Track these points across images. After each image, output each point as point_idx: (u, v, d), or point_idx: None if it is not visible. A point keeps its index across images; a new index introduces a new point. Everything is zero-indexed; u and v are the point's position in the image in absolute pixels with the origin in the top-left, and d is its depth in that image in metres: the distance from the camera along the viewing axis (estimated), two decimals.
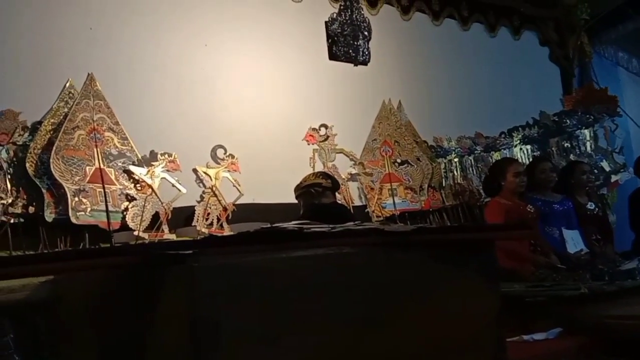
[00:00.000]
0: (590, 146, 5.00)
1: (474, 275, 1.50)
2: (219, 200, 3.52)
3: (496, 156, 4.75)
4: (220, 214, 3.50)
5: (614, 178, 4.95)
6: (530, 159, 4.75)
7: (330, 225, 1.36)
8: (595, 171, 4.70)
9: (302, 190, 3.34)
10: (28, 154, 2.96)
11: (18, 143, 2.99)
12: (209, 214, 3.47)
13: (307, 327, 1.10)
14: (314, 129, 4.08)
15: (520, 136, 4.90)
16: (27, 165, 2.95)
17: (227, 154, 3.65)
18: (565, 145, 5.00)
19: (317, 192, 3.27)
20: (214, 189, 3.53)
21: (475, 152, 4.73)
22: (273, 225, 1.34)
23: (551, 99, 5.36)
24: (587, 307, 2.24)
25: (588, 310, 2.21)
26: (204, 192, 3.54)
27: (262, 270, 1.09)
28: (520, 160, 4.55)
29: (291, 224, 1.34)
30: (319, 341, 1.11)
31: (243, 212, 3.56)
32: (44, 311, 2.01)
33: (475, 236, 1.52)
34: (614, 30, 5.89)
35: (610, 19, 5.76)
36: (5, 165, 2.90)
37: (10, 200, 2.84)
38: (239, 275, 1.07)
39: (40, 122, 3.09)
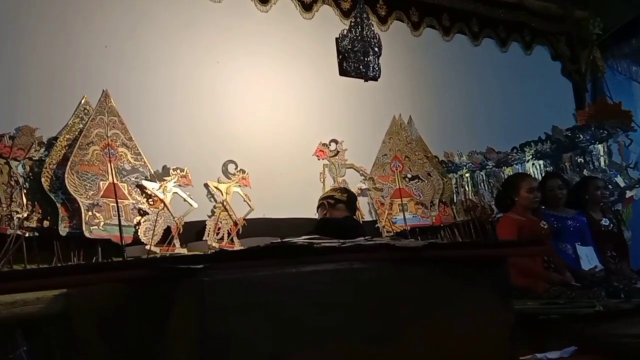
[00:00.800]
0: (604, 161, 4.95)
1: (486, 291, 1.48)
2: (230, 215, 3.54)
3: (508, 171, 4.72)
4: (231, 229, 3.52)
5: (628, 194, 4.88)
6: (543, 175, 4.71)
7: (341, 241, 1.36)
8: (610, 187, 4.65)
9: (319, 202, 3.44)
10: (43, 169, 3.01)
11: (34, 158, 3.04)
12: (219, 228, 3.48)
13: (317, 343, 1.10)
14: (324, 144, 4.10)
15: (532, 151, 4.86)
16: (43, 180, 2.99)
17: (238, 169, 3.68)
18: (579, 160, 4.95)
19: (329, 204, 3.34)
20: (224, 203, 3.55)
21: (487, 167, 4.70)
22: (283, 240, 1.34)
23: (564, 114, 5.33)
24: (602, 325, 2.20)
25: (603, 329, 2.17)
26: (215, 207, 3.55)
27: (272, 285, 1.10)
28: (533, 176, 4.52)
29: (301, 239, 1.34)
30: (329, 357, 1.11)
31: (254, 226, 3.57)
32: (57, 324, 2.02)
33: (487, 252, 1.51)
34: (627, 45, 5.86)
35: (622, 33, 5.73)
36: (21, 180, 2.94)
37: (25, 215, 2.88)
38: (250, 290, 1.07)
39: (55, 138, 3.14)
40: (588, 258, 3.50)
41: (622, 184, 4.86)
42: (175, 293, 1.09)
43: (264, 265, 1.12)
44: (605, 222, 3.92)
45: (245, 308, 1.05)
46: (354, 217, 3.68)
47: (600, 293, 2.86)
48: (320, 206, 3.45)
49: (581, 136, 4.89)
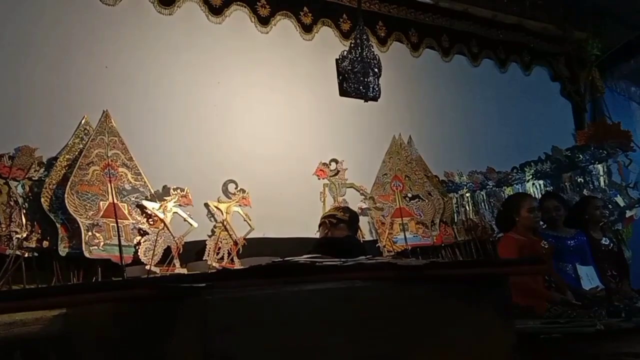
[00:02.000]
0: (604, 181, 4.95)
1: (488, 310, 1.48)
2: (230, 235, 3.53)
3: (508, 191, 4.72)
4: (231, 248, 3.51)
5: (628, 213, 4.88)
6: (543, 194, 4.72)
7: (342, 260, 1.35)
8: (610, 206, 4.65)
9: (321, 220, 3.43)
10: (43, 189, 3.01)
11: (34, 178, 3.04)
12: (219, 248, 3.47)
13: None
14: (324, 164, 4.11)
15: (532, 171, 4.87)
16: (42, 200, 2.99)
17: (238, 188, 3.68)
18: (579, 180, 4.95)
19: (330, 223, 3.33)
20: (225, 223, 3.54)
21: (487, 187, 4.71)
22: (285, 259, 1.34)
23: (563, 134, 5.36)
24: (604, 344, 2.19)
25: (605, 348, 2.16)
26: (215, 227, 3.55)
27: (275, 304, 1.09)
28: (533, 196, 4.52)
29: (303, 258, 1.34)
30: None
31: (254, 246, 3.56)
32: (56, 344, 2.00)
33: (488, 271, 1.51)
34: (626, 65, 5.91)
35: (621, 54, 5.79)
36: (20, 200, 2.94)
37: (25, 235, 2.87)
38: (252, 309, 1.07)
39: (55, 158, 3.15)
40: (588, 277, 3.49)
41: (621, 204, 4.86)
42: (178, 312, 1.09)
43: (266, 284, 1.12)
44: (605, 241, 3.91)
45: (248, 326, 1.04)
46: (355, 236, 3.67)
47: (601, 312, 2.84)
48: (321, 225, 3.44)
49: (581, 156, 4.91)
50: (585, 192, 4.81)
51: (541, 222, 3.68)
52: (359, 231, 3.91)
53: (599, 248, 3.81)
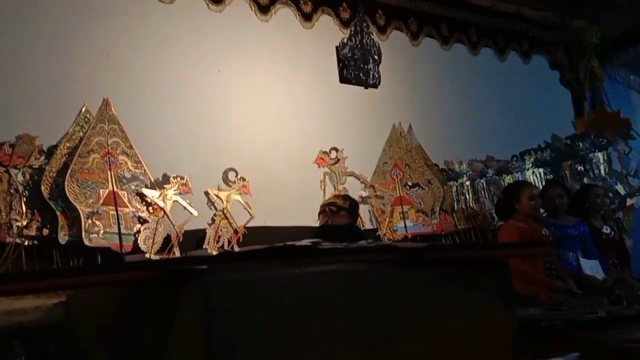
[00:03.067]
0: (604, 169, 4.96)
1: (489, 294, 1.47)
2: (230, 223, 3.53)
3: (508, 179, 4.72)
4: (231, 237, 3.50)
5: (629, 201, 4.88)
6: (544, 182, 4.71)
7: (344, 243, 1.35)
8: (610, 194, 4.64)
9: (321, 209, 3.44)
10: (43, 177, 3.00)
11: (34, 167, 3.03)
12: (220, 236, 3.47)
13: (321, 344, 1.10)
14: (324, 152, 4.10)
15: (532, 159, 4.87)
16: (43, 188, 2.98)
17: (239, 176, 3.67)
18: (579, 168, 4.96)
19: (330, 211, 3.34)
20: (225, 211, 3.54)
21: (487, 175, 4.71)
22: (286, 243, 1.34)
23: (563, 123, 5.34)
24: (606, 331, 2.18)
25: (607, 335, 2.15)
26: (215, 215, 3.54)
27: (276, 286, 1.09)
28: (533, 183, 4.52)
29: (304, 242, 1.34)
30: (333, 358, 1.10)
31: (254, 234, 3.55)
32: (56, 332, 2.00)
33: (489, 254, 1.51)
34: (625, 54, 5.89)
35: (620, 42, 5.77)
36: (21, 188, 2.93)
37: (25, 223, 2.87)
38: (254, 291, 1.06)
39: (56, 146, 3.14)
40: (593, 271, 3.46)
41: (622, 192, 4.86)
42: (179, 295, 1.09)
43: (267, 267, 1.12)
44: (606, 229, 3.91)
45: (250, 309, 1.04)
46: (356, 224, 3.68)
47: (602, 300, 2.85)
48: (321, 213, 3.44)
49: (581, 144, 4.91)
50: (585, 180, 4.82)
51: (542, 210, 3.67)
52: (360, 219, 3.91)
53: (600, 236, 3.82)
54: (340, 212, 3.36)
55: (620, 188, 4.87)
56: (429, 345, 1.31)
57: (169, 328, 1.13)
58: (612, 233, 3.95)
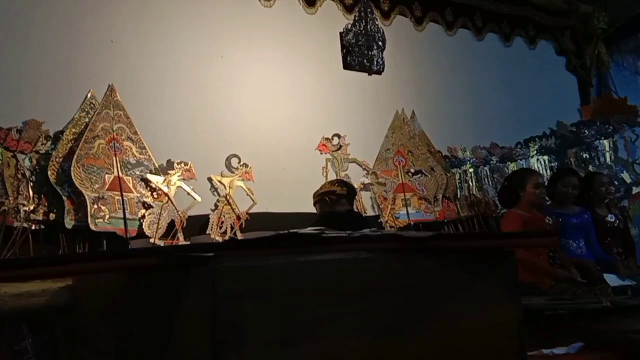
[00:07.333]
0: (610, 157, 4.93)
1: (494, 284, 1.48)
2: (233, 209, 3.55)
3: (512, 167, 4.71)
4: (234, 223, 3.52)
5: (635, 190, 4.85)
6: (548, 170, 4.70)
7: (348, 232, 1.36)
8: (616, 183, 4.61)
9: (318, 198, 3.40)
10: (50, 163, 3.02)
11: (41, 152, 3.05)
12: (222, 222, 3.49)
13: (326, 331, 1.11)
14: (327, 139, 4.10)
15: (537, 147, 4.85)
16: (49, 173, 3.01)
17: (241, 163, 3.68)
18: (584, 156, 4.92)
19: (331, 200, 3.32)
20: (228, 197, 3.55)
21: (491, 162, 4.69)
22: (290, 231, 1.34)
23: (569, 109, 5.32)
24: (610, 320, 2.18)
25: (611, 324, 2.15)
26: (218, 201, 3.57)
27: (282, 273, 1.10)
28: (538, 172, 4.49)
29: (308, 229, 1.34)
30: (338, 344, 1.12)
31: (256, 220, 3.57)
32: (63, 316, 2.02)
33: (495, 243, 1.51)
34: (633, 39, 5.83)
35: (628, 28, 5.70)
36: (28, 173, 2.96)
37: (32, 207, 2.89)
38: (260, 278, 1.07)
39: (62, 132, 3.16)
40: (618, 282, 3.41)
41: (628, 180, 4.83)
42: (186, 281, 1.10)
43: (274, 254, 1.13)
44: (611, 218, 3.90)
45: (256, 296, 1.05)
46: (356, 210, 3.68)
47: (606, 290, 2.85)
48: (319, 202, 3.41)
49: (586, 131, 4.88)
50: (590, 168, 4.79)
51: (553, 196, 3.65)
52: (361, 206, 3.92)
53: (605, 225, 3.80)
54: (340, 200, 3.34)
55: (626, 176, 4.84)
56: (435, 333, 1.32)
57: (175, 314, 1.15)
58: (617, 221, 3.94)
